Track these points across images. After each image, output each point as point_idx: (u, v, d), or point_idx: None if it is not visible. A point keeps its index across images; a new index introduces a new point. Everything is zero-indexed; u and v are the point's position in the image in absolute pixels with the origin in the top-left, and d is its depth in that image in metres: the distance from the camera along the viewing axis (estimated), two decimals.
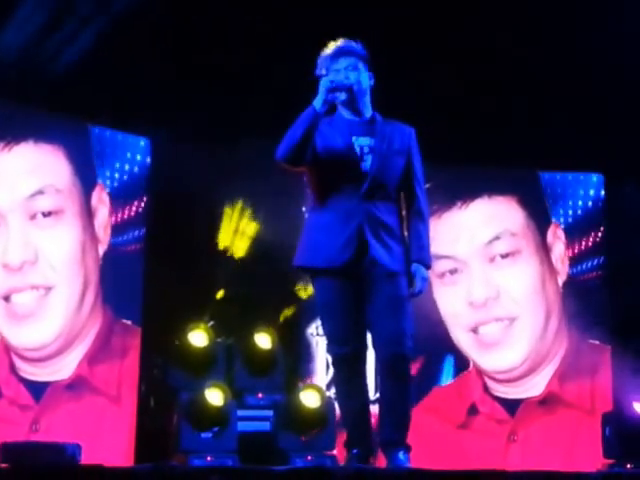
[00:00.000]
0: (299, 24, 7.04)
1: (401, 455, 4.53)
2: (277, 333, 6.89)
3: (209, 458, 6.10)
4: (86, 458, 5.15)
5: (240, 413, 6.42)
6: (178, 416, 6.30)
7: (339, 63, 4.60)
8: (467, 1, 7.34)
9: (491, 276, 7.97)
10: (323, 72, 4.59)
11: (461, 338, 8.07)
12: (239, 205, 7.65)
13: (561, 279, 7.97)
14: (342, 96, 4.52)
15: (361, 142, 4.59)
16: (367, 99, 4.67)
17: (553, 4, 7.28)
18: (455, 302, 8.07)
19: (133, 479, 3.80)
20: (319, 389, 6.72)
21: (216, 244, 7.54)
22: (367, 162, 4.56)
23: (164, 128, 7.17)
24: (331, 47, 4.66)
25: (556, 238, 7.97)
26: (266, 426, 6.53)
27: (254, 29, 7.18)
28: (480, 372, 7.91)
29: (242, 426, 6.40)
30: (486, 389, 7.80)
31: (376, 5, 7.18)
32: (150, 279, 7.15)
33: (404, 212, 4.75)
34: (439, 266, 8.13)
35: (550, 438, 7.33)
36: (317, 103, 4.45)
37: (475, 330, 7.95)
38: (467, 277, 8.02)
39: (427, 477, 4.12)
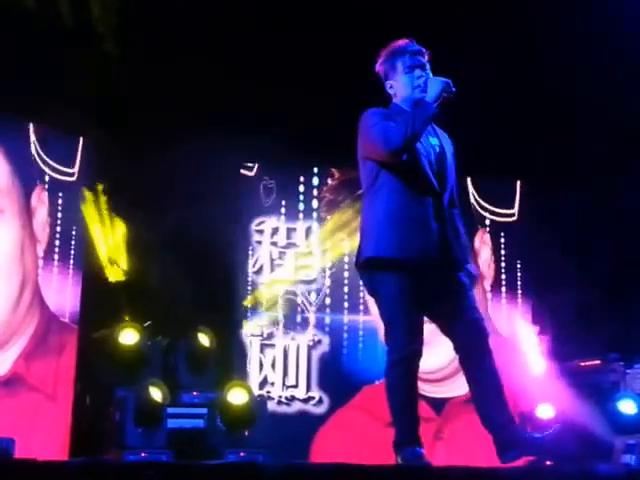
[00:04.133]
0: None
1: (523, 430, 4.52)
2: (215, 333, 6.99)
3: (143, 454, 6.14)
4: (20, 454, 5.18)
5: (175, 410, 6.51)
6: (114, 413, 6.37)
7: (417, 61, 4.61)
8: None
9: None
10: (399, 68, 4.61)
11: None
12: None
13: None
14: (445, 96, 4.50)
15: (433, 142, 4.65)
16: None
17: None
18: None
19: (66, 473, 3.64)
20: (246, 387, 6.84)
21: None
22: (441, 161, 4.60)
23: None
24: (404, 43, 4.65)
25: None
26: (200, 423, 6.63)
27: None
28: None
29: (177, 423, 6.49)
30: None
31: None
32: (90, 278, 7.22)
33: None
34: None
35: (475, 435, 7.56)
36: (433, 101, 4.44)
37: None
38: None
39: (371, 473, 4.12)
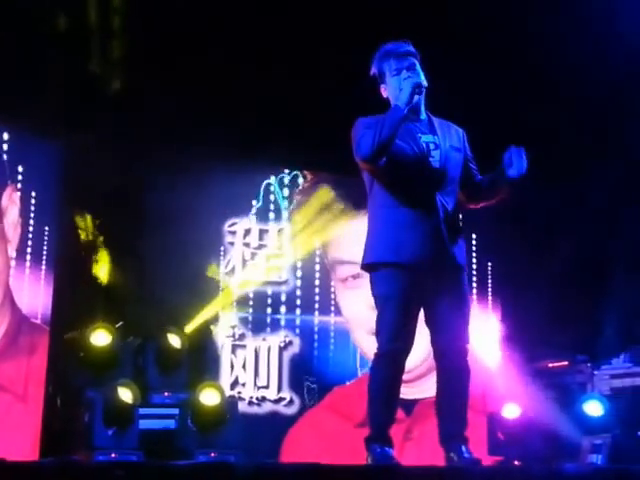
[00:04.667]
0: None
1: (465, 449, 4.55)
2: (186, 334, 7.01)
3: (113, 455, 6.14)
4: None
5: (146, 411, 6.52)
6: (85, 414, 6.37)
7: (402, 63, 4.67)
8: None
9: None
10: (387, 72, 4.69)
11: (362, 340, 8.32)
12: None
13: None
14: (416, 98, 4.58)
15: (426, 139, 4.66)
16: (424, 99, 4.73)
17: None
18: (357, 306, 8.30)
19: (36, 473, 3.66)
20: (218, 387, 6.86)
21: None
22: (435, 158, 4.63)
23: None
24: (390, 46, 4.72)
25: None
26: (171, 424, 6.64)
27: None
28: None
29: (148, 424, 6.49)
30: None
31: None
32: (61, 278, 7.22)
33: (469, 190, 4.77)
34: (342, 271, 8.39)
35: None
36: (402, 104, 4.52)
37: None
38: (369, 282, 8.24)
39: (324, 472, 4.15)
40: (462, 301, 4.66)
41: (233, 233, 8.46)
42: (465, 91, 7.19)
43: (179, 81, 7.45)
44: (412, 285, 4.53)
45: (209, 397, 6.64)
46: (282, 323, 8.43)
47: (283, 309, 8.45)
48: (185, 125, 7.44)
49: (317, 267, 8.54)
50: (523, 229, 8.14)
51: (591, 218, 8.50)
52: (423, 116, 4.74)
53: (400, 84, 4.62)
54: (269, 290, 8.46)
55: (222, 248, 8.38)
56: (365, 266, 4.69)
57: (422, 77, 4.66)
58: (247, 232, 8.49)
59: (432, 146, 4.65)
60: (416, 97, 4.56)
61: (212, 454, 6.38)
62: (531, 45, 7.39)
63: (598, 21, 7.29)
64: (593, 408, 6.77)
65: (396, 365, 4.59)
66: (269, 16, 7.42)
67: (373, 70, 4.78)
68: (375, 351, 4.63)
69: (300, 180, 8.63)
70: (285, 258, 8.52)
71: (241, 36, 7.47)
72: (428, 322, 4.67)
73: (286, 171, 8.63)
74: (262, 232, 8.53)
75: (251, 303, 8.37)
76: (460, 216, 4.73)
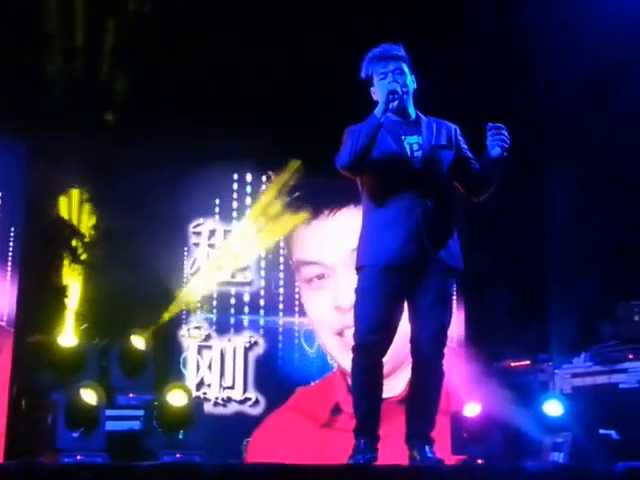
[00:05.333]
0: None
1: (428, 449, 4.62)
2: (150, 335, 7.00)
3: (79, 457, 6.15)
4: None
5: (111, 413, 6.52)
6: (50, 416, 6.35)
7: (387, 67, 4.71)
8: None
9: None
10: (374, 75, 4.73)
11: (327, 341, 8.36)
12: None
13: None
14: (395, 103, 4.62)
15: (410, 141, 4.70)
16: (411, 101, 4.77)
17: None
18: (322, 306, 8.35)
19: (0, 476, 3.62)
20: (186, 388, 6.88)
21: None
22: (418, 158, 4.67)
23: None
24: (377, 50, 4.77)
25: None
26: (137, 425, 6.65)
27: None
28: (344, 373, 8.18)
29: (113, 425, 6.50)
30: (350, 389, 7.98)
31: None
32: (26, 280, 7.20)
33: (468, 184, 4.81)
34: (307, 272, 8.43)
35: None
36: (379, 113, 4.56)
37: (341, 333, 8.22)
38: (334, 283, 8.29)
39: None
40: (444, 305, 4.72)
41: (198, 234, 8.47)
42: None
43: (142, 82, 7.44)
44: (393, 283, 4.59)
45: (176, 398, 6.65)
46: (246, 324, 8.44)
47: (247, 309, 8.47)
48: (150, 125, 7.42)
49: (282, 267, 8.57)
50: (486, 229, 8.20)
51: (550, 218, 8.59)
52: (412, 117, 4.78)
53: (386, 88, 4.66)
54: (233, 290, 8.47)
55: (186, 249, 8.38)
56: (356, 270, 4.75)
57: (408, 80, 4.72)
58: (212, 233, 8.51)
59: (416, 147, 4.70)
60: (395, 103, 4.61)
61: (177, 455, 6.39)
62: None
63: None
64: (553, 408, 6.85)
65: (372, 357, 4.64)
66: (236, 17, 7.44)
67: (362, 73, 4.83)
68: (352, 343, 4.69)
69: (264, 180, 8.63)
70: (250, 259, 8.54)
71: (205, 35, 7.47)
72: (409, 321, 4.73)
73: (250, 172, 8.64)
74: (227, 233, 8.55)
75: (215, 304, 8.38)
76: (452, 216, 4.75)
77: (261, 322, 8.46)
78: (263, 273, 8.55)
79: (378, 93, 4.75)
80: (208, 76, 7.59)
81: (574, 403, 7.07)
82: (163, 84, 7.50)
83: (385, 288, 4.59)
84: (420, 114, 4.83)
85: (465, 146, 4.87)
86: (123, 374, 6.83)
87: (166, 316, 7.84)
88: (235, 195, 8.60)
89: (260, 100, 7.67)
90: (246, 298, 8.48)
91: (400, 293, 4.63)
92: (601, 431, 6.70)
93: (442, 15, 7.51)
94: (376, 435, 4.66)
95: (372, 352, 4.63)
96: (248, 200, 8.60)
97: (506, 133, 4.66)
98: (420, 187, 4.63)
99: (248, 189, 8.64)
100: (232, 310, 8.43)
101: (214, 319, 8.35)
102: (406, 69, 4.74)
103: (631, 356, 7.08)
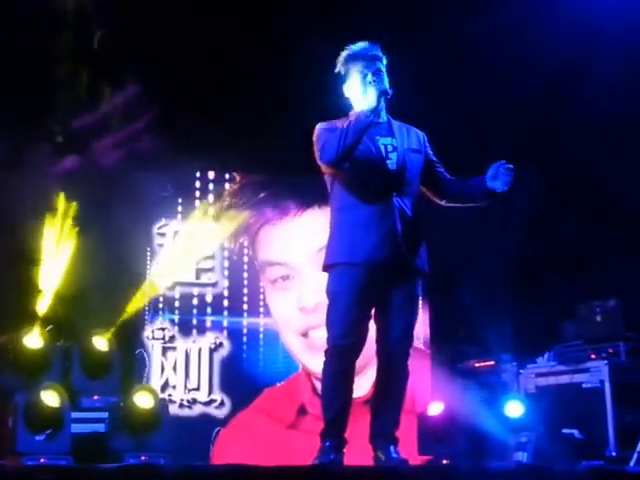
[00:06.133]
0: None
1: (393, 449, 4.66)
2: (114, 336, 6.95)
3: (42, 460, 6.07)
4: None
5: (75, 415, 6.44)
6: (13, 418, 6.30)
7: (369, 66, 4.73)
8: None
9: (322, 283, 8.26)
10: (353, 73, 4.76)
11: (292, 341, 8.36)
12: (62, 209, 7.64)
13: None
14: (383, 102, 4.70)
15: (384, 142, 4.75)
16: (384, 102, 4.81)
17: None
18: (287, 307, 8.35)
19: None
20: (152, 391, 6.84)
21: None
22: (392, 160, 4.72)
23: None
24: (359, 48, 4.79)
25: None
26: (101, 427, 6.60)
27: None
28: (309, 374, 8.20)
29: (77, 428, 6.42)
30: (315, 391, 8.03)
31: None
32: None
33: (441, 194, 4.90)
34: (272, 272, 8.42)
35: None
36: (368, 110, 4.60)
37: (305, 334, 8.23)
38: (299, 283, 8.29)
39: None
40: (411, 305, 4.78)
41: (163, 235, 8.44)
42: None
43: (105, 82, 7.41)
44: (365, 283, 4.62)
45: (143, 400, 6.61)
46: (211, 325, 8.42)
47: (214, 311, 8.44)
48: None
49: (245, 266, 8.54)
50: (450, 230, 8.23)
51: (517, 220, 8.63)
52: (383, 119, 4.83)
53: (365, 88, 4.70)
54: (198, 292, 8.45)
55: (148, 249, 8.33)
56: (324, 268, 4.77)
57: (386, 83, 4.76)
58: (176, 234, 8.47)
59: (390, 148, 4.75)
60: (382, 103, 4.69)
61: (142, 457, 6.35)
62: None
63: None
64: (514, 409, 6.89)
65: (345, 360, 4.67)
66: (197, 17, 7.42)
67: (339, 68, 4.85)
68: (325, 346, 4.70)
69: (227, 181, 8.61)
70: (215, 260, 8.52)
71: (169, 35, 7.44)
72: (376, 320, 4.76)
73: (213, 172, 8.60)
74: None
75: (177, 305, 8.35)
76: (421, 219, 4.80)
77: (225, 323, 8.44)
78: (227, 273, 8.52)
79: (353, 91, 4.79)
80: (173, 74, 7.56)
81: (538, 403, 7.13)
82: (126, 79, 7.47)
83: (357, 289, 4.61)
84: (390, 117, 4.88)
85: (432, 154, 4.95)
86: (85, 376, 6.75)
87: (129, 317, 7.80)
88: (197, 194, 8.55)
89: (222, 99, 7.65)
90: (210, 299, 8.45)
91: (371, 293, 4.66)
92: (564, 430, 6.75)
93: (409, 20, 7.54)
94: (343, 438, 4.68)
95: (346, 355, 4.67)
96: (211, 199, 8.57)
97: (512, 176, 4.76)
98: (394, 188, 4.69)
99: (210, 187, 8.60)
100: (196, 311, 8.40)
101: (177, 320, 8.31)
102: (384, 72, 4.79)
103: (593, 356, 7.15)
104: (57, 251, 7.37)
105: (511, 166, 4.76)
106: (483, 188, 4.76)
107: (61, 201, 7.30)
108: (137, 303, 7.91)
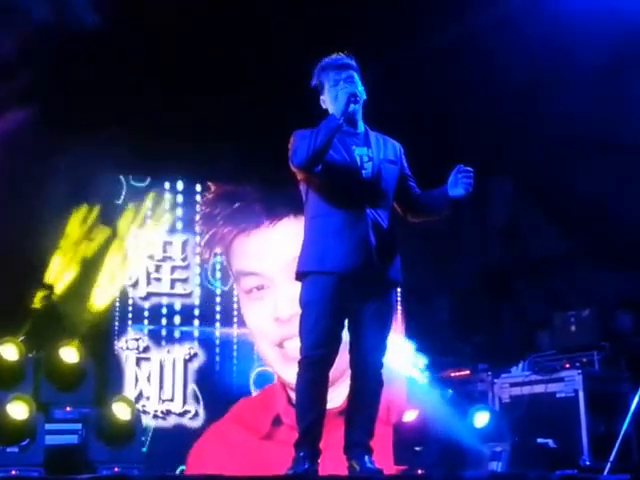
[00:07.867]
0: None
1: (368, 459, 4.64)
2: (87, 347, 6.90)
3: (14, 472, 6.01)
4: None
5: (47, 427, 6.39)
6: None
7: (340, 75, 4.75)
8: None
9: (297, 293, 8.25)
10: (326, 83, 4.77)
11: (267, 352, 8.33)
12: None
13: None
14: (355, 107, 4.69)
15: (360, 152, 4.74)
16: (361, 112, 4.81)
17: None
18: (262, 317, 8.33)
19: None
20: (130, 402, 6.79)
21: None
22: (367, 170, 4.71)
23: None
24: (330, 59, 4.81)
25: None
26: (74, 439, 6.54)
27: None
28: (284, 385, 8.18)
29: (49, 440, 6.36)
30: (290, 401, 8.00)
31: None
32: None
33: (409, 209, 4.89)
34: (247, 282, 8.40)
35: None
36: (338, 113, 4.60)
37: (280, 345, 8.21)
38: (273, 293, 8.27)
39: None
40: (385, 316, 4.76)
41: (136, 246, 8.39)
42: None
43: (73, 91, 7.38)
44: (337, 292, 4.60)
45: (121, 411, 6.56)
46: (186, 335, 8.38)
47: (188, 321, 8.41)
48: (85, 136, 7.34)
49: (218, 275, 8.51)
50: (426, 243, 8.25)
51: (492, 229, 8.67)
52: (360, 129, 4.83)
53: (336, 94, 4.71)
54: (173, 302, 8.41)
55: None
56: (296, 276, 4.76)
57: (360, 89, 4.76)
58: (149, 244, 8.43)
59: (365, 158, 4.75)
60: (352, 106, 4.66)
61: (116, 469, 6.31)
62: None
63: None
64: (480, 419, 6.91)
65: (318, 370, 4.65)
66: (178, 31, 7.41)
67: (314, 81, 4.87)
68: (299, 357, 4.68)
69: (199, 191, 8.57)
70: (190, 270, 8.49)
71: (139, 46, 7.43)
72: (349, 330, 4.75)
73: (180, 182, 8.56)
74: (166, 244, 8.49)
75: (151, 315, 8.30)
76: (394, 230, 4.79)
77: (195, 334, 8.38)
78: (198, 280, 8.47)
79: (329, 101, 4.80)
80: (142, 82, 7.54)
81: (512, 412, 7.14)
82: (94, 94, 7.43)
83: (330, 298, 4.60)
84: (367, 128, 4.88)
85: (407, 167, 4.96)
86: (56, 387, 6.68)
87: (101, 327, 7.75)
88: (168, 205, 8.51)
89: (193, 109, 7.63)
90: (184, 309, 8.41)
91: (344, 302, 4.64)
92: (538, 440, 6.77)
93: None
94: (317, 449, 4.66)
95: (319, 366, 4.64)
96: (179, 211, 8.54)
97: (472, 178, 4.72)
98: (368, 198, 4.69)
99: (179, 198, 8.57)
100: (168, 322, 8.34)
101: (147, 331, 8.26)
102: (357, 79, 4.80)
103: (567, 365, 7.18)
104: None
105: (469, 168, 4.74)
106: (447, 198, 4.77)
107: None
108: (111, 315, 7.88)
